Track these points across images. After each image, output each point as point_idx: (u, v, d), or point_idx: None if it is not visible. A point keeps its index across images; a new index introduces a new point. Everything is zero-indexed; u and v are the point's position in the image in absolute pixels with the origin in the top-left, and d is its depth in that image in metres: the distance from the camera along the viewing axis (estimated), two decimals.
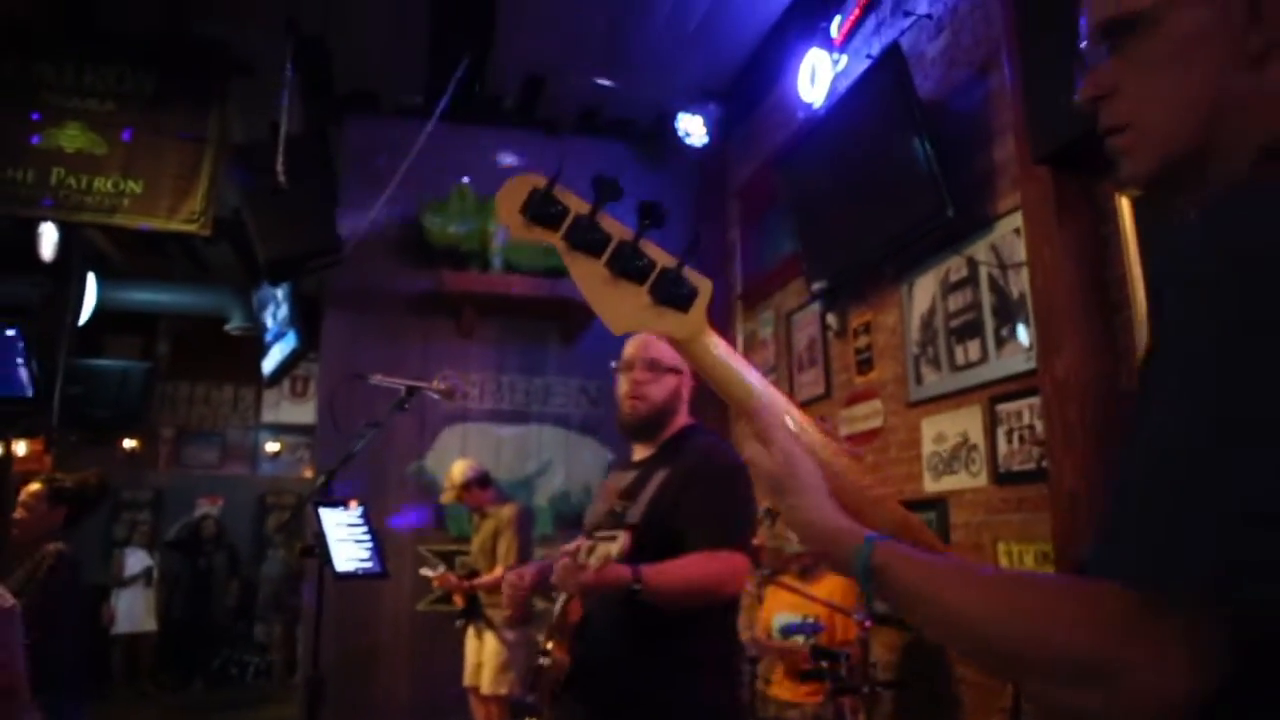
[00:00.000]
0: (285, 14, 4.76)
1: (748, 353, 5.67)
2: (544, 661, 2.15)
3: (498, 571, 4.65)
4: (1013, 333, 3.37)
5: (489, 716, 4.76)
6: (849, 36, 4.49)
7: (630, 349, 2.29)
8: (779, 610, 3.94)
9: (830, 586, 3.63)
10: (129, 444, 11.25)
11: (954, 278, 3.72)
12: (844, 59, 4.49)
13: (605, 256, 0.90)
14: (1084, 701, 0.65)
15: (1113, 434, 2.83)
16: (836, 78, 4.52)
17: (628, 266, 0.90)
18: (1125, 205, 2.93)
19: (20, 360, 6.37)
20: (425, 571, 4.98)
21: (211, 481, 11.55)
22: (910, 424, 3.95)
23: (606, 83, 5.20)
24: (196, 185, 4.98)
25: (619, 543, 1.95)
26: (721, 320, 5.91)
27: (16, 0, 4.83)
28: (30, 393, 6.46)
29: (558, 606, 2.19)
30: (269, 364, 7.95)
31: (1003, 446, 3.39)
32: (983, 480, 3.47)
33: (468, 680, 4.81)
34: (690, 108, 5.51)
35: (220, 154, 5.02)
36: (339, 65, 5.45)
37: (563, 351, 5.85)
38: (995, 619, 0.71)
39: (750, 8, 4.83)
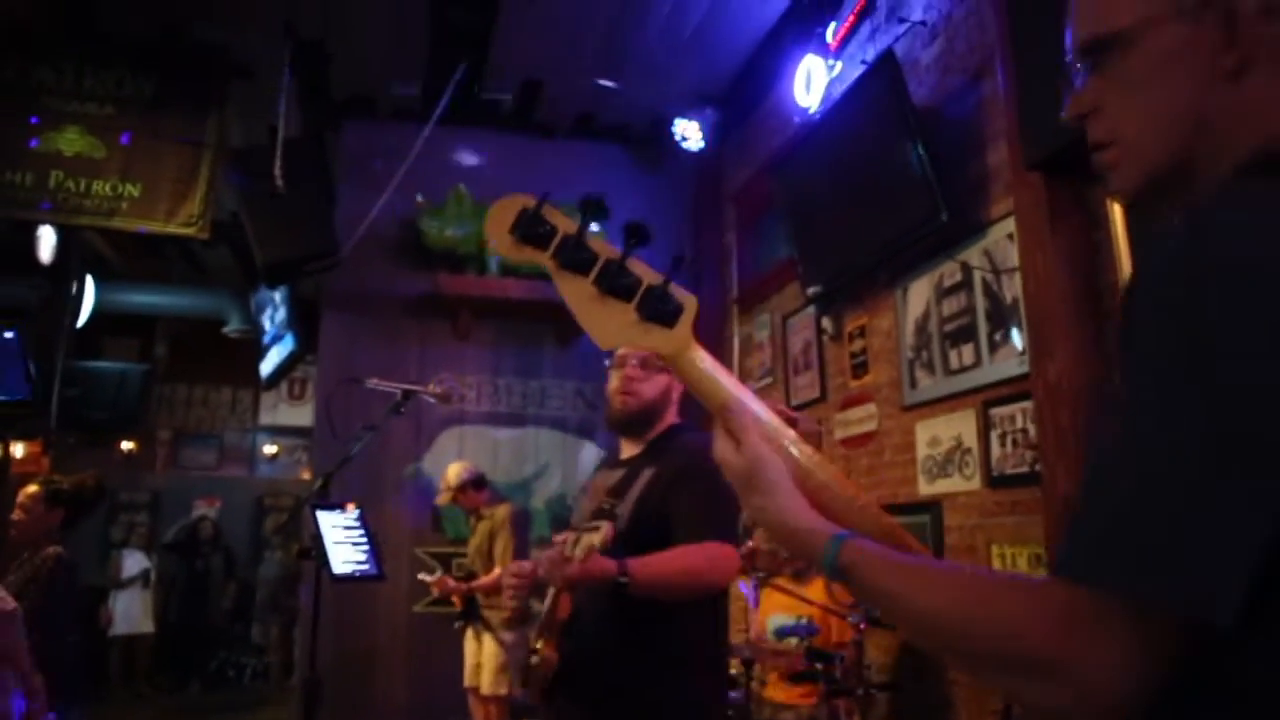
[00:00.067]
0: (284, 18, 4.79)
1: (744, 356, 5.70)
2: (533, 660, 2.17)
3: (496, 573, 4.67)
4: (1006, 337, 3.39)
5: (489, 716, 4.79)
6: (844, 43, 4.52)
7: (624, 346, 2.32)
8: (774, 612, 3.96)
9: (825, 588, 3.65)
10: (127, 446, 11.25)
11: (948, 282, 3.75)
12: (839, 65, 4.52)
13: (593, 275, 0.93)
14: (1038, 695, 0.67)
15: None
16: (831, 84, 4.55)
17: (615, 284, 0.92)
18: (1117, 211, 2.95)
19: (18, 362, 6.39)
20: (423, 576, 5.00)
21: (209, 483, 11.56)
22: (905, 427, 3.98)
23: (608, 83, 5.22)
24: (195, 189, 5.00)
25: (601, 532, 1.98)
26: (718, 324, 5.93)
27: (16, 3, 4.85)
28: (28, 395, 6.47)
29: (546, 603, 2.21)
30: (267, 366, 7.96)
31: (996, 450, 3.41)
32: (976, 483, 3.49)
33: (468, 681, 4.84)
34: (687, 113, 5.54)
35: (218, 158, 5.05)
36: (337, 69, 5.47)
37: (558, 354, 5.87)
38: (955, 616, 0.73)
39: (746, 14, 4.86)
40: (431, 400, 3.35)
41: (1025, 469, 3.24)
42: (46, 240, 6.56)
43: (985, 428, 3.46)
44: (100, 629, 8.99)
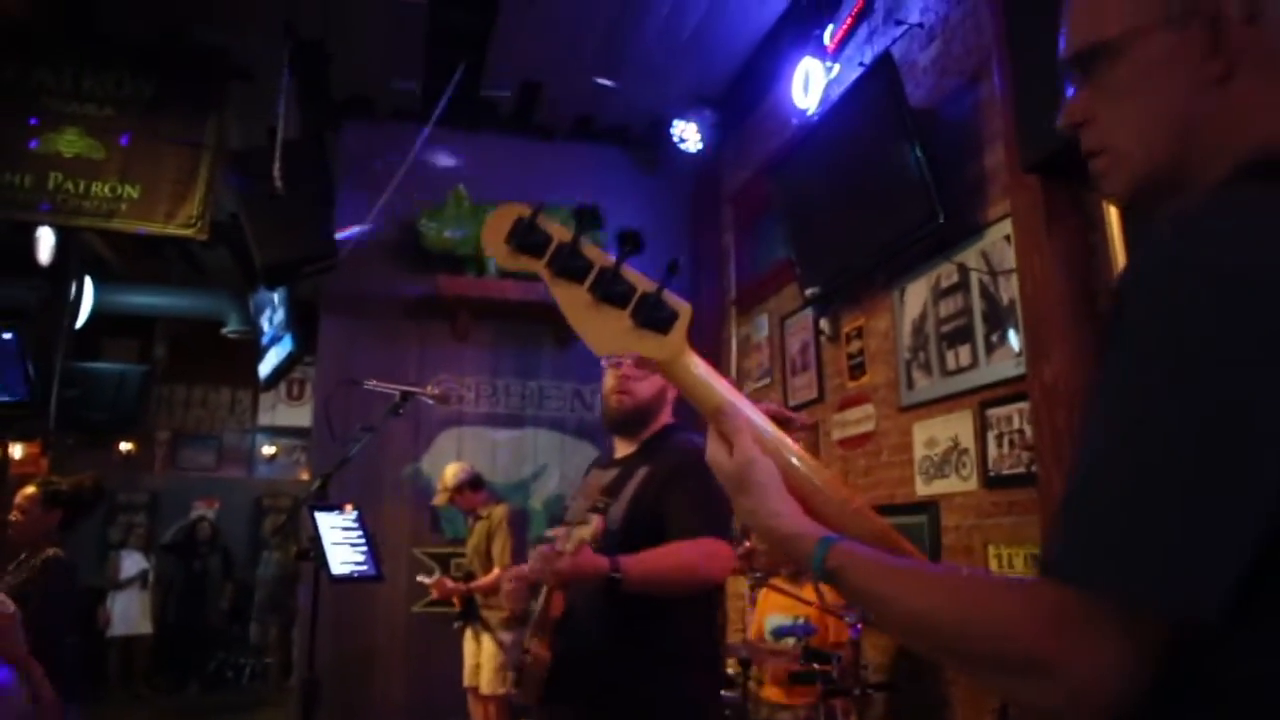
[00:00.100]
0: (283, 19, 4.80)
1: (742, 357, 5.71)
2: (526, 659, 2.18)
3: (495, 573, 4.69)
4: (1003, 338, 3.41)
5: (487, 716, 4.80)
6: (841, 45, 4.53)
7: None
8: (771, 612, 3.97)
9: (822, 588, 3.66)
10: (125, 447, 11.26)
11: (945, 284, 3.76)
12: (837, 67, 4.53)
13: (588, 282, 0.94)
14: (1030, 694, 0.68)
15: None
16: (829, 85, 4.56)
17: (609, 292, 0.93)
18: (1114, 214, 2.96)
19: (17, 363, 6.39)
20: (422, 579, 5.02)
21: (208, 484, 11.56)
22: (902, 428, 3.99)
23: (606, 82, 5.23)
24: (194, 190, 5.01)
25: (591, 525, 2.00)
26: (716, 324, 5.94)
27: (16, 4, 4.85)
28: (27, 396, 6.48)
29: (539, 601, 2.22)
30: (265, 368, 7.97)
31: (993, 450, 3.42)
32: (973, 484, 3.50)
33: (467, 681, 4.85)
34: (685, 114, 5.55)
35: (218, 159, 5.05)
36: (336, 71, 5.49)
37: (557, 356, 5.88)
38: (945, 618, 0.74)
39: (744, 16, 4.87)
40: (430, 401, 3.36)
41: (1022, 470, 3.25)
42: (45, 241, 6.57)
43: (982, 428, 3.47)
44: (98, 630, 8.99)
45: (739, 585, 5.28)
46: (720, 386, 0.97)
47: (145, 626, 9.45)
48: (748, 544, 3.52)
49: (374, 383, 3.25)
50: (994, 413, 3.43)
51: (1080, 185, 3.06)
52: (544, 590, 2.20)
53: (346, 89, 5.72)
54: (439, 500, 5.06)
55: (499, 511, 4.89)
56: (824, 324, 4.68)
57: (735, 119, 5.71)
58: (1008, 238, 3.34)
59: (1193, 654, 0.65)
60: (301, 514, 3.35)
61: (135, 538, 9.93)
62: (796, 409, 4.93)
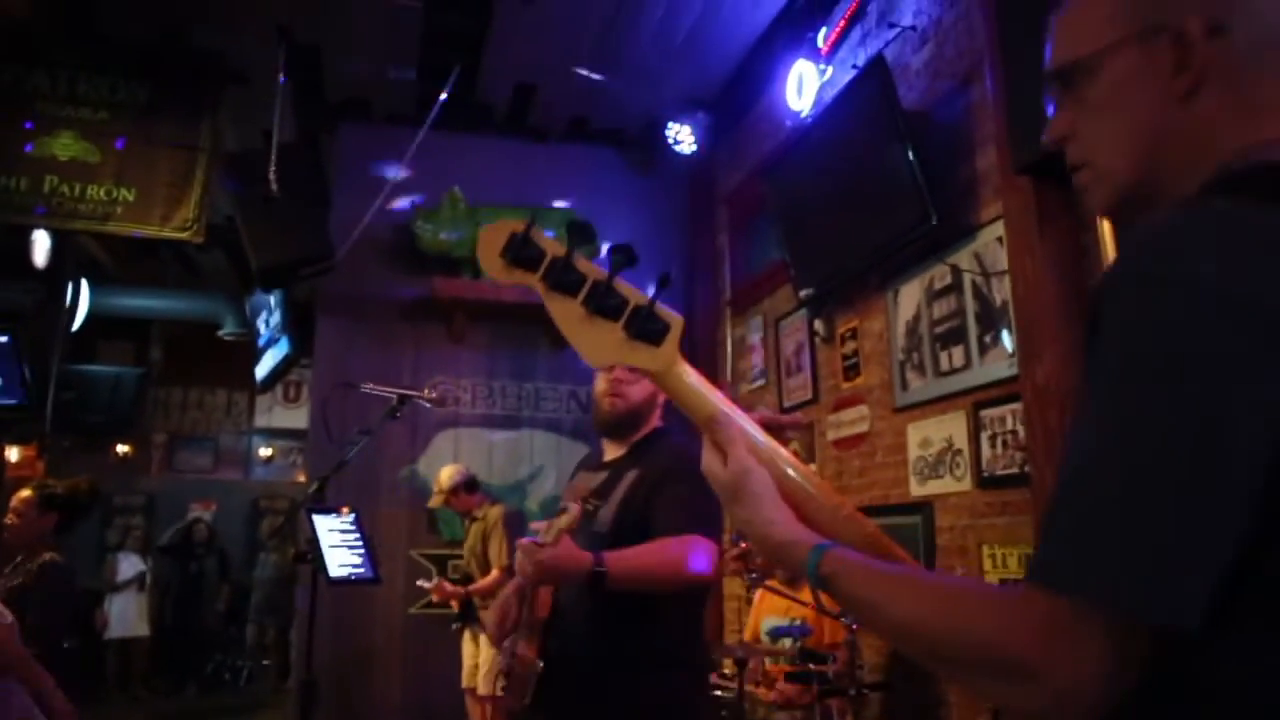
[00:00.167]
0: (277, 23, 4.81)
1: (737, 358, 5.73)
2: (514, 661, 2.20)
3: (494, 575, 4.70)
4: (996, 339, 3.43)
5: (485, 717, 4.81)
6: (835, 48, 4.55)
7: None
8: (767, 613, 3.99)
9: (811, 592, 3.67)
10: (122, 449, 11.26)
11: (938, 285, 3.78)
12: (830, 70, 4.55)
13: (581, 296, 0.96)
14: (1017, 699, 0.69)
15: None
16: (823, 88, 4.58)
17: (602, 305, 0.95)
18: None
19: (14, 366, 6.39)
20: (422, 583, 5.03)
21: (204, 486, 11.57)
22: (896, 429, 4.01)
23: (594, 75, 5.22)
24: (189, 193, 5.02)
25: (570, 513, 2.01)
26: (710, 325, 5.96)
27: (14, 8, 4.86)
28: (23, 398, 6.48)
29: (525, 601, 2.24)
30: (262, 370, 7.97)
31: (986, 451, 3.44)
32: (967, 484, 3.52)
33: (465, 682, 4.87)
34: (679, 116, 5.57)
35: (213, 162, 5.06)
36: (331, 73, 5.50)
37: (553, 357, 5.89)
38: (936, 624, 0.75)
39: (737, 19, 4.88)
40: (427, 405, 3.38)
41: (1015, 470, 3.27)
42: (41, 244, 6.57)
43: (976, 429, 3.49)
44: (96, 632, 8.99)
45: (735, 586, 5.31)
46: (713, 396, 0.98)
47: (142, 628, 9.44)
48: (744, 544, 3.54)
49: (371, 386, 3.26)
50: (987, 413, 3.44)
51: (1072, 187, 3.07)
52: (529, 591, 2.22)
53: (341, 92, 5.73)
54: (434, 502, 5.08)
55: (494, 513, 4.90)
56: (818, 325, 4.70)
57: (729, 121, 5.73)
58: (1000, 239, 3.36)
59: (1174, 657, 0.66)
60: (299, 516, 3.36)
61: (132, 540, 9.92)
62: (791, 410, 4.95)
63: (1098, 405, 0.70)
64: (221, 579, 10.44)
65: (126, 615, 9.32)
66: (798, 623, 3.69)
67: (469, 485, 4.99)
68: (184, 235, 5.05)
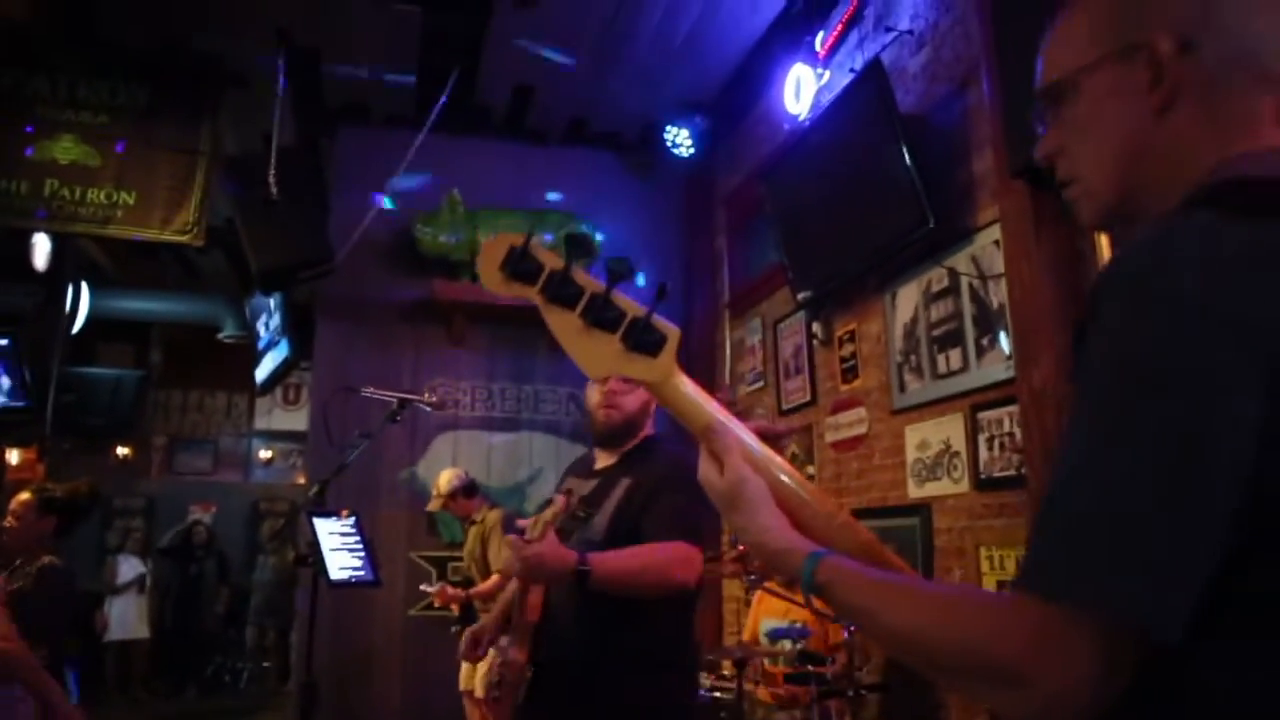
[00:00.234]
0: (277, 26, 4.82)
1: (735, 360, 5.74)
2: (504, 665, 2.22)
3: (494, 579, 4.71)
4: (993, 342, 3.44)
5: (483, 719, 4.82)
6: (832, 51, 4.56)
7: None
8: (766, 615, 4.01)
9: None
10: (122, 451, 11.27)
11: (936, 288, 3.79)
12: (827, 73, 4.56)
13: (579, 308, 0.97)
14: (1009, 704, 0.71)
15: None
16: (820, 91, 4.59)
17: (600, 317, 0.97)
18: None
19: (14, 369, 6.41)
20: (425, 587, 5.04)
21: (204, 488, 11.57)
22: (894, 431, 4.02)
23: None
24: (189, 196, 5.03)
25: (554, 506, 2.03)
26: (709, 328, 5.98)
27: (14, 12, 4.87)
28: (24, 401, 6.49)
29: (514, 604, 2.26)
30: (262, 372, 7.99)
31: (984, 453, 3.45)
32: (965, 486, 3.54)
33: (463, 684, 4.86)
34: (678, 119, 5.59)
35: (213, 165, 5.07)
36: (331, 77, 5.51)
37: (552, 360, 5.90)
38: (929, 632, 0.77)
39: (736, 23, 4.89)
40: (427, 409, 3.39)
41: (1012, 472, 3.28)
42: (41, 247, 6.59)
43: (973, 431, 3.50)
44: (95, 634, 9.00)
45: (734, 588, 5.32)
46: (709, 406, 1.00)
47: (142, 631, 9.46)
48: (742, 547, 3.55)
49: (371, 390, 3.28)
50: (985, 416, 3.46)
51: None
52: (518, 594, 2.24)
53: (341, 95, 5.74)
54: (433, 506, 5.09)
55: (493, 516, 4.91)
56: (816, 328, 4.71)
57: (728, 124, 5.74)
58: (997, 243, 3.37)
59: (1160, 664, 0.68)
60: (300, 519, 3.37)
61: (132, 542, 9.93)
62: (789, 412, 4.97)
63: (1084, 418, 0.71)
64: (221, 581, 10.45)
65: (126, 618, 9.33)
66: (797, 624, 3.71)
67: (467, 490, 5.00)
68: (184, 238, 5.06)
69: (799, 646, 3.63)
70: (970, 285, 3.57)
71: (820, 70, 4.61)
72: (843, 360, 4.49)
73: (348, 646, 5.24)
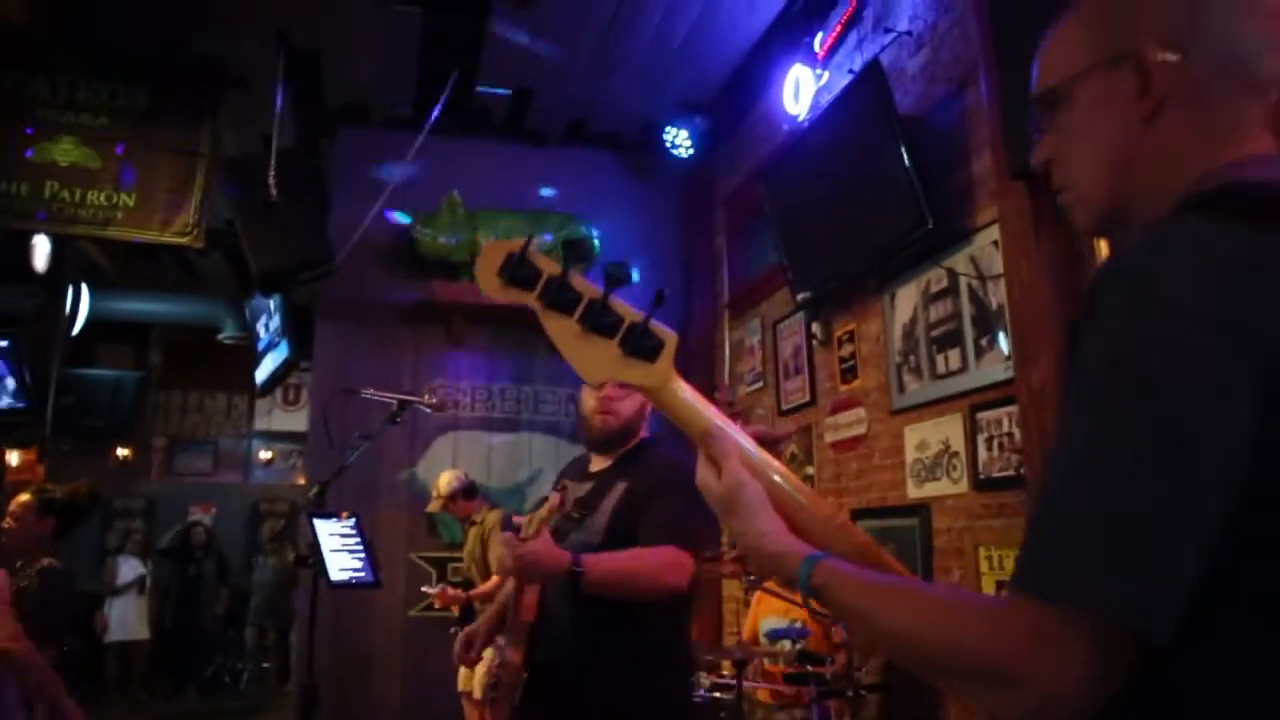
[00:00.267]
0: (277, 28, 4.83)
1: (735, 360, 5.75)
2: (500, 666, 2.23)
3: (495, 580, 4.71)
4: (992, 342, 3.44)
5: None
6: (831, 52, 4.57)
7: None
8: (766, 615, 4.02)
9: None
10: (122, 453, 11.28)
11: (935, 288, 3.80)
12: (826, 74, 4.57)
13: (577, 314, 0.98)
14: (1001, 704, 0.72)
15: None
16: (819, 92, 4.60)
17: (598, 323, 0.97)
18: None
19: (14, 370, 6.42)
20: (426, 589, 5.04)
21: (204, 489, 11.58)
22: (893, 431, 4.02)
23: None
24: (189, 198, 5.04)
25: (549, 504, 2.05)
26: (709, 328, 5.98)
27: (14, 15, 4.88)
28: (24, 402, 6.50)
29: (509, 605, 2.27)
30: (262, 373, 7.99)
31: (983, 453, 3.46)
32: (964, 486, 3.54)
33: (462, 686, 4.87)
34: (677, 120, 5.60)
35: (213, 167, 5.08)
36: (330, 79, 5.51)
37: (551, 361, 5.90)
38: (925, 633, 0.78)
39: (735, 24, 4.90)
40: (427, 410, 3.40)
41: (1011, 472, 3.29)
42: (41, 249, 6.59)
43: (972, 431, 3.51)
44: (95, 636, 9.01)
45: (734, 588, 5.33)
46: (707, 411, 1.01)
47: (142, 632, 9.46)
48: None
49: (372, 392, 3.28)
50: (984, 416, 3.46)
51: None
52: (513, 594, 2.25)
53: (341, 97, 5.75)
54: (432, 507, 5.09)
55: (492, 517, 4.92)
56: (815, 328, 4.72)
57: (727, 125, 5.75)
58: (996, 243, 3.38)
59: (1154, 662, 0.69)
60: (300, 520, 3.38)
61: (132, 543, 9.95)
62: (789, 412, 4.97)
63: (1079, 419, 0.72)
64: (220, 582, 10.46)
65: (126, 619, 9.33)
66: (796, 624, 3.71)
67: (467, 491, 5.00)
68: (184, 240, 5.07)
69: (799, 646, 3.64)
70: (969, 286, 3.58)
71: (819, 71, 4.62)
72: (842, 361, 4.50)
73: (348, 647, 5.25)
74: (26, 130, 4.93)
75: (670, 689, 2.27)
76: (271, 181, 4.69)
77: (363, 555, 3.08)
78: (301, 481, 11.16)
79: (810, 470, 4.70)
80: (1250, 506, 0.67)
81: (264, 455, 12.22)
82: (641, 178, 6.23)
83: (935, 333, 3.78)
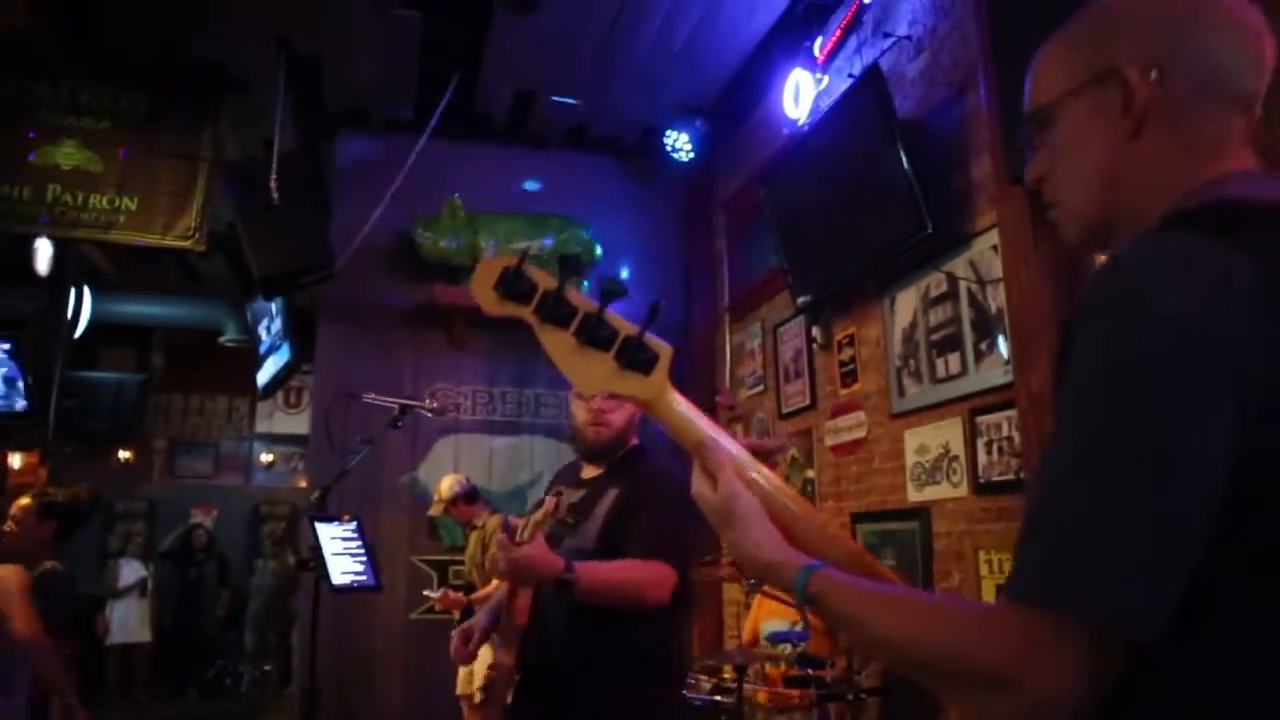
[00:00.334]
0: (278, 33, 4.84)
1: (735, 364, 5.75)
2: (491, 669, 2.25)
3: (495, 583, 4.72)
4: (991, 346, 3.45)
5: None
6: (831, 57, 4.58)
7: None
8: (767, 618, 4.02)
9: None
10: (123, 455, 11.29)
11: (934, 292, 3.81)
12: (826, 78, 4.58)
13: (573, 327, 0.99)
14: (995, 708, 0.73)
15: None
16: (819, 96, 4.61)
17: (593, 336, 0.99)
18: None
19: (16, 373, 6.43)
20: (428, 593, 5.05)
21: (205, 492, 11.59)
22: (893, 435, 4.03)
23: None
24: (191, 202, 5.06)
25: (543, 509, 2.08)
26: (709, 331, 5.99)
27: (17, 19, 4.89)
28: (26, 405, 6.51)
29: (503, 607, 2.29)
30: (263, 376, 8.01)
31: (983, 457, 3.46)
32: (964, 490, 3.55)
33: (460, 689, 4.87)
34: (677, 124, 5.61)
35: (214, 171, 5.10)
36: (331, 82, 5.52)
37: (552, 364, 5.91)
38: (920, 640, 0.79)
39: (735, 28, 4.91)
40: (428, 415, 3.41)
41: (1011, 476, 3.30)
42: (43, 252, 6.61)
43: (972, 435, 3.52)
44: (97, 638, 9.02)
45: (734, 591, 5.33)
46: (702, 422, 1.02)
47: (144, 634, 9.47)
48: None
49: (373, 396, 3.29)
50: (983, 420, 3.47)
51: None
52: (507, 597, 2.27)
53: (342, 101, 5.76)
54: (434, 511, 5.10)
55: (493, 522, 4.92)
56: (816, 332, 4.72)
57: (727, 129, 5.76)
58: (995, 247, 3.39)
59: (1143, 664, 0.71)
60: (301, 523, 3.39)
61: (134, 546, 9.95)
62: (789, 416, 4.98)
63: (1066, 432, 0.74)
64: (221, 584, 10.46)
65: (128, 621, 9.34)
66: (797, 627, 3.72)
67: (469, 496, 5.01)
68: (186, 244, 5.09)
69: (799, 649, 3.65)
70: (969, 290, 3.59)
71: (819, 75, 4.63)
72: (842, 364, 4.50)
73: (349, 651, 5.25)
74: (29, 134, 4.95)
75: (659, 696, 2.30)
76: (273, 185, 4.71)
77: (364, 559, 3.08)
78: (303, 484, 11.17)
79: (810, 474, 4.71)
80: (1235, 512, 0.69)
81: (265, 458, 12.23)
82: (642, 181, 6.24)
83: (935, 337, 3.79)
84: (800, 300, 4.66)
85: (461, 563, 5.28)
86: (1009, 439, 3.32)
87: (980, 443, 3.48)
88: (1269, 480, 0.69)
